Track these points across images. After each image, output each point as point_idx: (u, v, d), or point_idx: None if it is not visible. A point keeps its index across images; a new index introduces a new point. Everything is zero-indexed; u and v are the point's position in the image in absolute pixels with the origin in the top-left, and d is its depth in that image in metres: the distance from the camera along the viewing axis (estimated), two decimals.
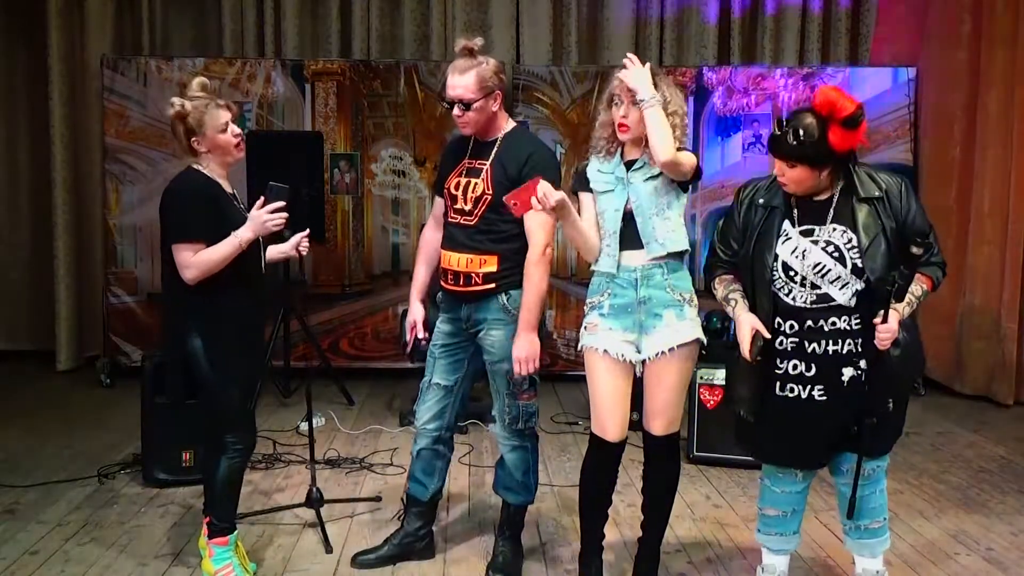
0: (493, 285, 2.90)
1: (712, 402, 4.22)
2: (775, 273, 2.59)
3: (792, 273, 2.58)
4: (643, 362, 2.70)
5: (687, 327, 2.70)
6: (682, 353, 2.70)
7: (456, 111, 2.87)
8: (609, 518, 2.93)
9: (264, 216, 2.75)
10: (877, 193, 2.57)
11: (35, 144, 6.34)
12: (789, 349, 2.59)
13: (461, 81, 2.83)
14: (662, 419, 2.75)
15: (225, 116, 2.79)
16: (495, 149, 2.93)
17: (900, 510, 3.71)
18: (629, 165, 2.74)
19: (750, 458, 4.08)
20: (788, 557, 2.88)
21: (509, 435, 3.03)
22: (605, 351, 2.71)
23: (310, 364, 5.48)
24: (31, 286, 6.47)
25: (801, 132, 2.46)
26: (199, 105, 2.76)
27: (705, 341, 2.75)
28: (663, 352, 2.68)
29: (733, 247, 2.73)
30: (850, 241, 2.56)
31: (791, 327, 2.58)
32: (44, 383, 5.86)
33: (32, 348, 6.46)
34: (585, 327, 2.78)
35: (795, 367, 2.59)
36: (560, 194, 2.56)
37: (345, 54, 6.30)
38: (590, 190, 2.80)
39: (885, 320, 2.48)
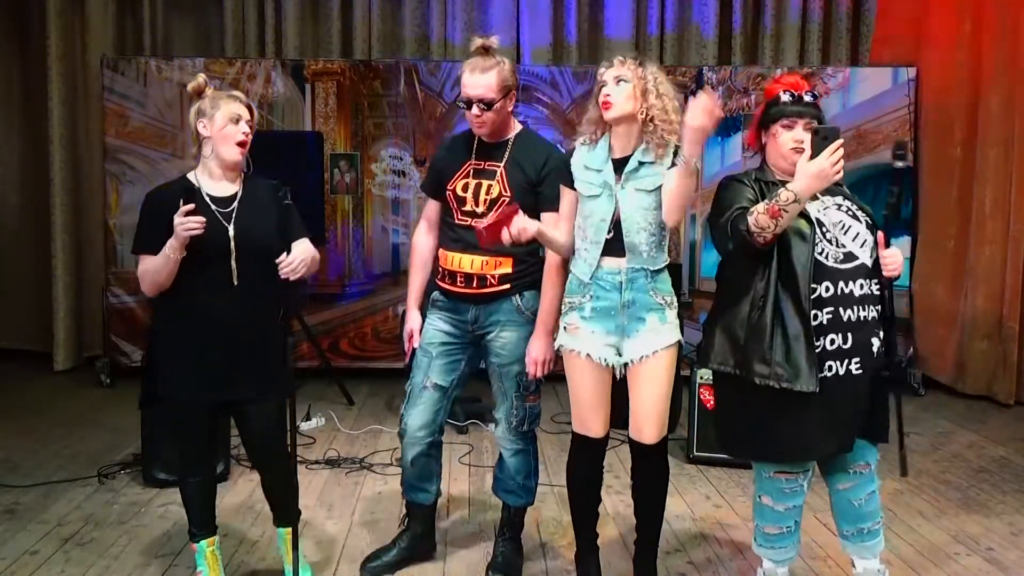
0: (508, 286, 2.86)
1: (712, 402, 4.19)
2: (814, 227, 2.52)
3: (824, 229, 2.54)
4: (624, 365, 2.67)
5: (668, 330, 2.67)
6: (665, 356, 2.66)
7: (475, 111, 2.77)
8: (609, 518, 2.92)
9: (177, 221, 2.57)
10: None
11: (35, 144, 6.34)
12: (825, 323, 2.51)
13: (483, 80, 2.74)
14: (652, 427, 2.69)
15: (243, 111, 2.70)
16: (508, 150, 2.87)
17: (900, 510, 3.71)
18: (618, 166, 2.64)
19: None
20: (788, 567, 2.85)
21: (514, 438, 3.00)
22: (588, 355, 2.68)
23: (312, 366, 5.49)
24: (30, 286, 6.46)
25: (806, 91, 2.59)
26: (220, 92, 2.73)
27: (683, 343, 2.72)
28: (646, 356, 2.64)
29: (752, 199, 2.54)
30: (855, 202, 2.62)
31: (826, 289, 2.50)
32: (43, 383, 5.86)
33: (31, 348, 6.46)
34: (564, 327, 2.72)
35: (832, 342, 2.51)
36: (535, 225, 2.58)
37: (346, 54, 6.30)
38: (574, 187, 2.70)
39: (887, 245, 2.55)
